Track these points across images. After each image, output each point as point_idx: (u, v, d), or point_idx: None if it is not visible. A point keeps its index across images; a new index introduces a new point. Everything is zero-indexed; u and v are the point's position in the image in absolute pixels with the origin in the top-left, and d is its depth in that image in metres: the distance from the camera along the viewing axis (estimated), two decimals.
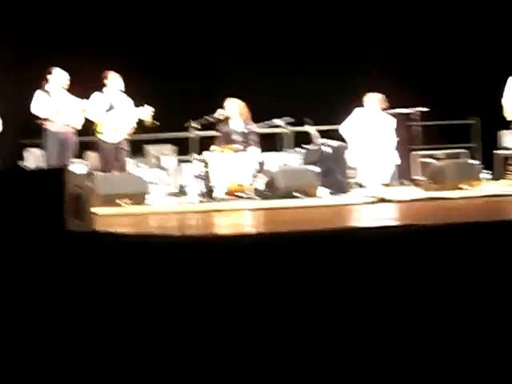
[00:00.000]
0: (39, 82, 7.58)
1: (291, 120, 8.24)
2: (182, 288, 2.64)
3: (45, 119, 7.45)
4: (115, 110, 7.76)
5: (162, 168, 8.82)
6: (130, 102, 7.92)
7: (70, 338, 2.53)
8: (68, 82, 7.60)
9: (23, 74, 7.89)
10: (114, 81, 7.80)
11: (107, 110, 7.75)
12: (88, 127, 7.74)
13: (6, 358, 2.44)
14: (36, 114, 7.45)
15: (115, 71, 7.93)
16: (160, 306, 2.59)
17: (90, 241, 2.94)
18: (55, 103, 7.46)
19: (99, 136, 7.73)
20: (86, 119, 7.68)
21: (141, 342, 2.47)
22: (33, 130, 7.85)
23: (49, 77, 7.53)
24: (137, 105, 7.89)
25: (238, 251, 2.76)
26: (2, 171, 5.99)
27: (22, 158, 8.74)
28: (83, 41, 9.91)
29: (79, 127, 7.63)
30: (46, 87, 7.52)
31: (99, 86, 7.86)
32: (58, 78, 7.55)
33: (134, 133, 8.04)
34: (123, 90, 7.92)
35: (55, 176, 3.01)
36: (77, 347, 2.48)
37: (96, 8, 10.08)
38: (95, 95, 7.76)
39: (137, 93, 8.00)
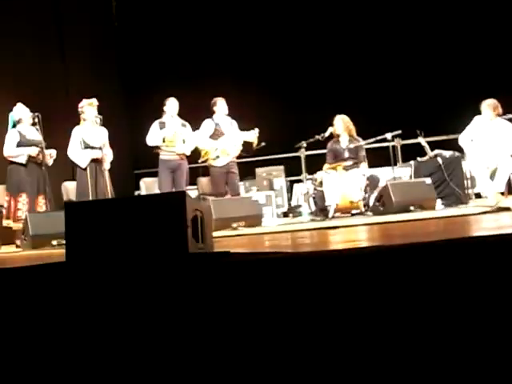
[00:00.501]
0: (156, 112, 7.90)
1: (399, 132, 8.13)
2: (302, 302, 2.65)
3: (157, 148, 7.76)
4: (224, 135, 7.96)
5: (274, 189, 8.92)
6: (235, 125, 8.10)
7: (192, 358, 2.59)
8: (177, 110, 7.86)
9: (138, 105, 8.21)
10: (221, 107, 8.00)
11: (214, 136, 7.96)
12: (199, 154, 7.96)
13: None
14: (149, 144, 7.78)
15: (226, 94, 8.13)
16: (281, 322, 2.61)
17: (211, 262, 3.01)
18: (167, 132, 7.74)
19: (210, 161, 7.95)
20: (196, 146, 7.92)
21: (265, 361, 2.50)
22: (149, 160, 8.17)
23: (164, 108, 7.85)
24: (245, 128, 8.05)
25: (355, 265, 2.74)
26: (123, 198, 6.26)
27: (138, 188, 9.07)
28: (190, 69, 10.26)
29: (188, 153, 7.85)
30: (163, 118, 7.84)
31: (210, 112, 8.09)
32: (171, 107, 7.84)
33: (244, 156, 8.19)
34: (227, 113, 8.10)
35: (176, 200, 3.10)
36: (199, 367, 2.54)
37: (201, 32, 10.42)
38: (205, 122, 8.00)
39: (246, 114, 8.18)
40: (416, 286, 2.52)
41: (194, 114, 8.12)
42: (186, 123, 7.91)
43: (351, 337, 2.49)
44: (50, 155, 7.34)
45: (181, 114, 7.99)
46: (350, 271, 2.66)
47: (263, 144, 7.82)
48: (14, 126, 7.42)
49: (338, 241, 4.71)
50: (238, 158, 8.12)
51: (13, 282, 3.12)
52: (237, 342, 2.63)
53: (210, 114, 8.07)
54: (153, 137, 7.76)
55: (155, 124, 7.82)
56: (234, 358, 2.60)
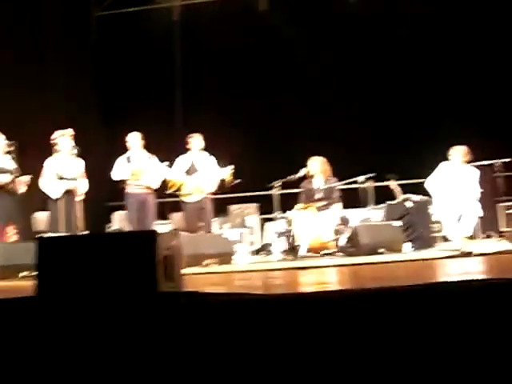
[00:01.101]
0: (122, 147, 7.92)
1: (372, 175, 8.26)
2: (271, 346, 2.67)
3: (123, 182, 7.75)
4: (198, 171, 7.99)
5: (246, 227, 8.95)
6: (212, 161, 8.13)
7: None
8: (142, 143, 7.87)
9: (111, 138, 8.23)
10: (196, 143, 8.05)
11: (189, 172, 7.99)
12: (166, 185, 7.95)
13: None
14: (114, 178, 7.78)
15: (203, 130, 8.19)
16: (254, 364, 2.63)
17: (181, 301, 3.02)
18: (133, 166, 7.74)
19: (182, 197, 7.97)
20: (166, 180, 7.92)
21: None
22: (120, 194, 8.17)
23: (127, 143, 7.86)
24: (219, 164, 8.10)
25: (324, 308, 2.77)
26: (95, 235, 6.23)
27: (109, 221, 9.04)
28: (167, 104, 10.32)
29: (155, 187, 7.85)
30: (128, 152, 7.84)
31: (184, 148, 8.13)
32: (135, 141, 7.85)
33: (217, 192, 8.22)
34: (203, 148, 8.15)
35: (147, 239, 3.12)
36: None
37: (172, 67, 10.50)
38: (180, 158, 8.04)
39: (222, 151, 8.22)
40: (381, 330, 2.56)
41: (169, 150, 8.17)
42: (153, 156, 7.92)
43: (317, 378, 2.52)
44: (26, 183, 7.22)
45: (157, 149, 8.03)
46: (321, 314, 2.70)
47: (238, 181, 7.87)
48: None
49: (308, 283, 4.75)
50: (213, 194, 8.14)
51: None
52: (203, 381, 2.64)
53: (185, 149, 8.11)
54: (119, 171, 7.77)
55: (121, 158, 7.83)
56: None
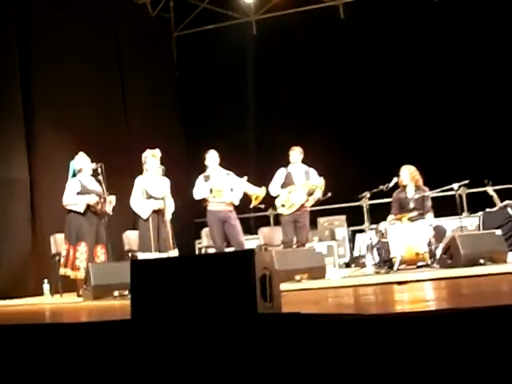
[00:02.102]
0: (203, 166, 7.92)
1: (466, 182, 7.94)
2: (374, 366, 2.54)
3: (205, 201, 7.73)
4: (294, 184, 7.92)
5: (336, 239, 8.79)
6: (312, 172, 8.06)
7: None
8: (218, 161, 7.82)
9: (199, 155, 8.23)
10: (294, 155, 8.06)
11: (285, 184, 7.93)
12: (249, 200, 7.88)
13: None
14: (196, 197, 7.77)
15: (294, 143, 8.16)
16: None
17: (282, 323, 2.90)
18: (212, 184, 7.71)
19: (279, 210, 7.92)
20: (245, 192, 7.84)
21: None
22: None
23: (205, 161, 7.84)
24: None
25: (421, 330, 2.61)
26: (193, 256, 6.24)
27: (198, 237, 9.04)
28: (252, 120, 10.31)
29: (236, 203, 7.79)
30: (207, 171, 7.81)
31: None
32: (212, 159, 7.82)
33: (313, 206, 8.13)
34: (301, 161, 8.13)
35: (245, 258, 3.02)
36: None
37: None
38: (279, 171, 8.07)
39: (311, 163, 8.15)
40: (487, 354, 2.37)
41: (257, 164, 8.12)
42: (230, 172, 7.87)
43: None
44: (110, 202, 7.30)
45: (244, 164, 7.99)
46: (421, 336, 2.54)
47: (329, 194, 7.76)
48: (74, 175, 7.46)
49: (407, 300, 4.54)
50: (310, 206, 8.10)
51: (78, 338, 3.09)
52: None
53: (285, 162, 8.12)
54: (199, 190, 7.76)
55: (200, 178, 7.83)
56: None
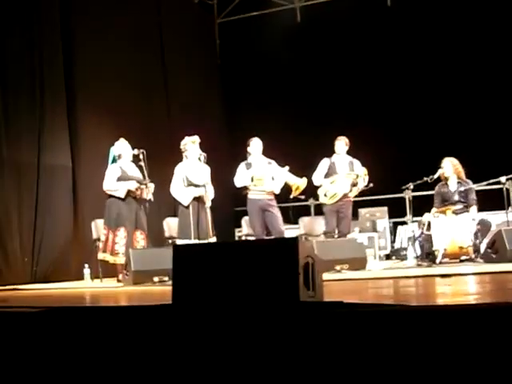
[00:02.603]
0: (244, 153, 7.88)
1: None
2: (416, 358, 2.48)
3: (246, 188, 7.69)
4: (337, 174, 7.87)
5: (377, 230, 8.69)
6: (356, 163, 8.02)
7: None
8: (261, 149, 7.78)
9: (239, 142, 8.21)
10: (339, 146, 8.03)
11: (328, 174, 7.89)
12: (289, 190, 7.82)
13: None
14: (237, 185, 7.74)
15: (339, 133, 8.13)
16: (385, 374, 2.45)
17: (324, 312, 2.85)
18: (254, 172, 7.67)
19: (321, 200, 7.87)
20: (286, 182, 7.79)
21: None
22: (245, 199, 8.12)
23: (248, 149, 7.79)
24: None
25: (463, 323, 2.54)
26: (236, 242, 6.22)
27: (238, 226, 9.03)
28: (296, 108, 10.23)
29: (277, 192, 7.74)
30: (249, 159, 7.77)
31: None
32: (256, 147, 7.76)
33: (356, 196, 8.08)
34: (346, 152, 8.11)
35: (289, 246, 2.97)
36: None
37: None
38: (323, 160, 8.03)
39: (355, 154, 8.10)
40: None
41: (299, 153, 8.06)
42: (272, 161, 7.81)
43: None
44: (150, 191, 7.32)
45: (285, 154, 7.94)
46: (463, 330, 2.47)
47: (371, 185, 7.69)
48: (114, 160, 7.48)
49: (449, 293, 4.45)
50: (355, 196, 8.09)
51: (119, 321, 3.09)
52: None
53: (328, 153, 8.08)
54: (241, 177, 7.72)
55: (242, 165, 7.78)
56: None
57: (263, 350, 2.70)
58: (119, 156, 7.44)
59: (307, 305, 2.94)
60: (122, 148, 7.45)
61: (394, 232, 9.20)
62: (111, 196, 7.33)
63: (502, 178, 7.50)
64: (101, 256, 7.33)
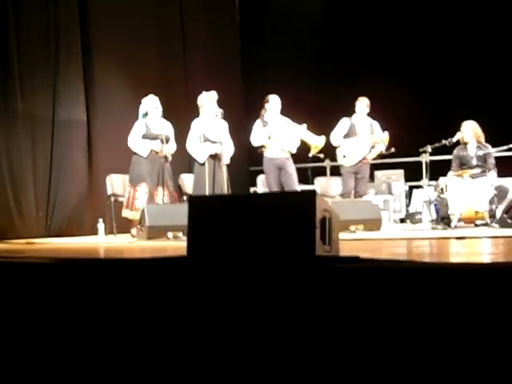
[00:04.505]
0: (259, 111, 7.80)
1: None
2: (419, 316, 2.47)
3: (262, 147, 7.64)
4: (357, 135, 7.80)
5: (392, 193, 8.65)
6: (376, 125, 7.93)
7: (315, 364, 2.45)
8: (279, 107, 7.69)
9: (257, 100, 8.12)
10: (361, 106, 7.96)
11: (348, 135, 7.83)
12: (308, 148, 7.76)
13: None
14: (254, 144, 7.68)
15: (358, 93, 8.10)
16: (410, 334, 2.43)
17: (340, 266, 2.83)
18: (270, 130, 7.59)
19: (339, 161, 7.84)
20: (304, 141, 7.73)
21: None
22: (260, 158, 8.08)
23: (266, 105, 7.70)
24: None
25: (471, 280, 2.52)
26: (253, 194, 6.18)
27: (254, 185, 9.00)
28: (315, 66, 10.11)
29: (294, 151, 7.68)
30: (265, 116, 7.69)
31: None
32: (274, 104, 7.67)
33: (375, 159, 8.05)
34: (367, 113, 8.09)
35: (306, 199, 2.93)
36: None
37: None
38: (341, 121, 8.03)
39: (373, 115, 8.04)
40: None
41: (318, 112, 7.99)
42: (288, 119, 7.72)
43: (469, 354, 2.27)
44: (166, 156, 7.31)
45: (304, 112, 7.88)
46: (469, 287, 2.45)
47: (393, 150, 7.68)
48: (144, 116, 7.41)
49: (463, 253, 4.42)
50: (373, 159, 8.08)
51: (133, 273, 3.08)
52: (363, 350, 2.46)
53: (351, 112, 8.05)
54: (257, 136, 7.64)
55: (258, 122, 7.70)
56: (358, 369, 2.43)
57: (278, 302, 2.69)
58: (146, 113, 7.40)
59: (323, 259, 2.92)
60: (148, 105, 7.41)
61: (409, 196, 9.15)
62: (135, 153, 7.32)
63: None
64: (124, 213, 7.34)
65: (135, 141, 7.28)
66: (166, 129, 7.39)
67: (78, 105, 8.50)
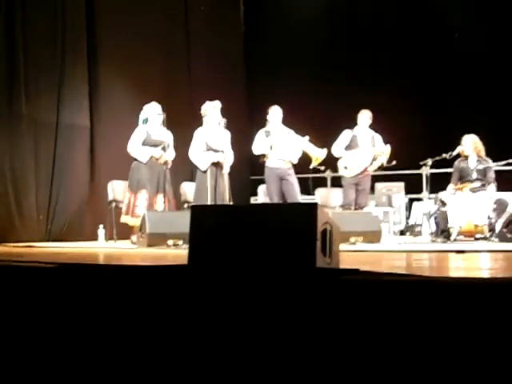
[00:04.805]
0: (264, 121, 7.85)
1: None
2: (417, 329, 2.49)
3: (264, 156, 7.68)
4: (358, 147, 7.84)
5: (392, 206, 8.67)
6: (378, 138, 7.99)
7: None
8: (281, 118, 7.75)
9: (260, 110, 8.17)
10: (363, 119, 8.02)
11: (350, 147, 7.87)
12: (309, 160, 7.79)
13: None
14: (255, 153, 7.73)
15: (359, 106, 8.13)
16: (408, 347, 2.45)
17: (340, 278, 2.85)
18: (272, 140, 7.63)
19: (341, 172, 7.87)
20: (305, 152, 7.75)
21: None
22: (262, 167, 8.11)
23: (268, 116, 7.76)
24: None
25: (470, 295, 2.54)
26: (255, 205, 6.20)
27: (254, 194, 9.03)
28: (318, 77, 10.15)
29: (295, 162, 7.71)
30: (267, 127, 7.74)
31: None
32: (275, 115, 7.73)
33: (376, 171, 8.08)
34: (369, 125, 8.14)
35: (308, 211, 2.96)
36: None
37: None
38: (344, 132, 8.02)
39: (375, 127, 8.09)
40: None
41: (320, 124, 8.03)
42: (291, 130, 7.78)
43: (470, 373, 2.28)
44: (167, 162, 7.34)
45: (310, 125, 7.95)
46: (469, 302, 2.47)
47: (394, 162, 7.75)
48: (144, 122, 7.45)
49: (462, 267, 4.44)
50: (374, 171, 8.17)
51: (132, 281, 3.10)
52: (361, 361, 2.48)
53: (348, 125, 8.09)
54: (259, 145, 7.71)
55: (260, 132, 7.77)
56: (356, 380, 2.45)
57: (278, 313, 2.71)
58: (146, 120, 7.43)
59: (323, 271, 2.94)
60: (149, 111, 7.44)
61: (409, 208, 9.18)
62: (135, 159, 7.34)
63: None
64: (123, 219, 7.36)
65: (135, 147, 7.31)
66: (166, 136, 7.42)
67: (81, 109, 8.54)
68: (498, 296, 2.47)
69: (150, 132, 7.38)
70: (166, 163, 7.34)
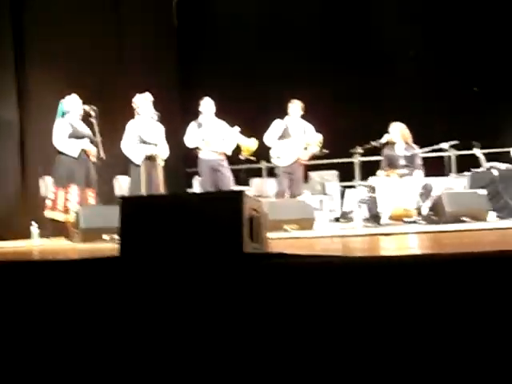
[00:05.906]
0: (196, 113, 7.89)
1: (456, 143, 8.02)
2: (348, 309, 2.58)
3: (197, 148, 7.74)
4: (291, 136, 7.94)
5: (326, 194, 8.83)
6: (309, 128, 8.08)
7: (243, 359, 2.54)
8: (213, 109, 7.82)
9: (193, 103, 8.19)
10: (294, 109, 8.09)
11: (282, 137, 7.97)
12: (239, 150, 7.88)
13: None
14: (188, 145, 7.78)
15: (291, 96, 8.18)
16: (337, 328, 2.54)
17: (266, 262, 2.94)
18: (203, 132, 7.69)
19: (274, 161, 7.95)
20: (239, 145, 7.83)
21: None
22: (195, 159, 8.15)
23: (200, 108, 7.81)
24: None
25: (402, 272, 2.66)
26: (183, 194, 6.22)
27: (190, 186, 9.05)
28: (250, 70, 10.22)
29: (228, 153, 7.79)
30: (199, 118, 7.80)
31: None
32: (207, 107, 7.79)
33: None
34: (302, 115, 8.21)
35: (234, 199, 3.04)
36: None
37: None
38: (275, 122, 8.08)
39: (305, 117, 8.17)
40: (467, 297, 2.42)
41: (251, 115, 8.10)
42: (223, 122, 7.86)
43: (400, 346, 2.40)
44: (100, 146, 7.26)
45: (242, 116, 8.00)
46: (405, 278, 2.58)
47: (326, 151, 7.84)
48: (63, 115, 7.35)
49: (392, 248, 4.63)
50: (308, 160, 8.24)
51: (66, 275, 3.11)
52: (290, 345, 2.56)
53: (279, 115, 8.16)
54: (191, 137, 7.76)
55: (192, 124, 7.82)
56: (285, 361, 2.53)
57: (208, 299, 2.77)
58: (68, 112, 7.33)
59: (250, 256, 3.02)
60: (72, 104, 7.34)
61: (343, 196, 9.35)
62: (61, 153, 7.24)
63: (444, 145, 7.78)
64: (49, 214, 7.23)
65: (63, 140, 7.21)
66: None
67: (9, 104, 8.36)
68: (424, 273, 2.59)
69: (74, 125, 7.30)
70: (99, 157, 7.27)
